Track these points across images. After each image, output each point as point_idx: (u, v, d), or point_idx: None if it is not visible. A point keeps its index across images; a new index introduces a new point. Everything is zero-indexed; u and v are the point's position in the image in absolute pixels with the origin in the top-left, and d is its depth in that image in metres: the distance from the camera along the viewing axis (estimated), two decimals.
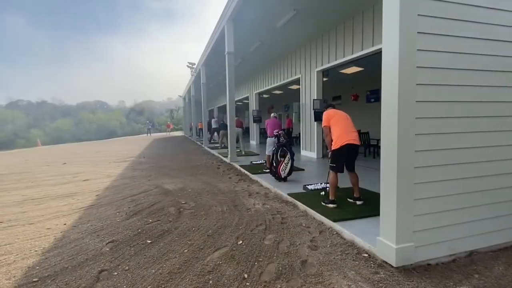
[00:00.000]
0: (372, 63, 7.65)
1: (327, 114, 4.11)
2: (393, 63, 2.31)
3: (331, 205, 3.90)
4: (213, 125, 16.16)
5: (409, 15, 2.26)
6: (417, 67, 2.32)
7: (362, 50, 6.80)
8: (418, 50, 2.31)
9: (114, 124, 72.20)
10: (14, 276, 2.50)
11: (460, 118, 2.54)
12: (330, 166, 3.97)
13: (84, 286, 2.30)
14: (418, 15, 2.29)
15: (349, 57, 7.32)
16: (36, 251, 3.01)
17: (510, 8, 2.68)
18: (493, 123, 2.70)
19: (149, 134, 34.49)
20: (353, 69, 10.34)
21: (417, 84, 2.33)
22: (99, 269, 2.56)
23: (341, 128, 3.92)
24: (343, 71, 10.49)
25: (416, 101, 2.34)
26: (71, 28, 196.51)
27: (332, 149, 3.95)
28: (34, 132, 62.26)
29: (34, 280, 2.42)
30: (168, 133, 36.38)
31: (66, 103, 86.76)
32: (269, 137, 6.69)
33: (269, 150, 6.67)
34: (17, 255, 2.93)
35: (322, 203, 3.99)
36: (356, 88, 12.58)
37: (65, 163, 10.35)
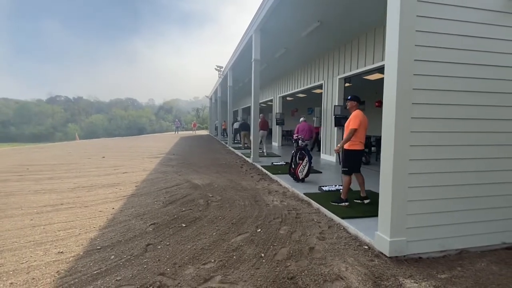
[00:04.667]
0: None
1: (359, 117, 4.20)
2: (391, 86, 2.76)
3: (344, 204, 4.34)
4: (235, 126, 16.92)
5: (406, 45, 2.69)
6: (413, 89, 2.75)
7: (382, 60, 7.11)
8: (414, 74, 2.74)
9: (144, 121, 75.67)
10: (82, 244, 3.21)
11: (450, 132, 2.92)
12: (344, 170, 4.40)
13: (136, 254, 2.95)
14: (415, 45, 2.72)
15: (370, 67, 7.64)
16: (94, 227, 3.74)
17: (498, 36, 3.01)
18: (480, 138, 3.05)
19: (176, 132, 35.95)
20: (377, 76, 10.53)
21: (412, 103, 2.76)
22: (146, 243, 3.22)
23: (364, 134, 4.33)
24: (366, 77, 10.72)
25: (411, 118, 2.77)
26: (100, 32, 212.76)
27: (351, 148, 4.28)
28: (71, 126, 66.77)
29: (98, 248, 3.11)
30: (194, 131, 37.73)
31: (100, 100, 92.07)
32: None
33: None
34: (80, 229, 3.67)
35: (333, 203, 4.42)
36: (380, 94, 12.70)
37: (104, 157, 11.44)
